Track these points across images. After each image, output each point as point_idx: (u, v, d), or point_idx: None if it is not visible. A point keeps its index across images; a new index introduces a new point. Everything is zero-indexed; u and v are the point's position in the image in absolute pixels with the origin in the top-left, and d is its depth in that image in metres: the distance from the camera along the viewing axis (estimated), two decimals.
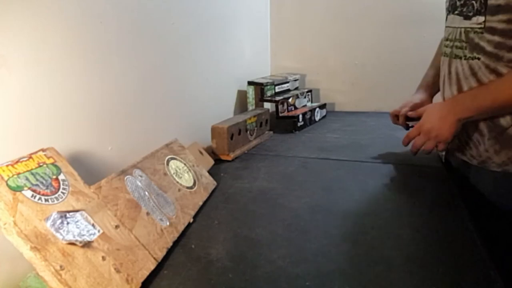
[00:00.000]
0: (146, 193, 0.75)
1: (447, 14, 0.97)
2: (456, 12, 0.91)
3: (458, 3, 0.90)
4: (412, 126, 1.09)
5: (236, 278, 0.61)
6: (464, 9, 0.87)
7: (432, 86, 1.14)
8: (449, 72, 0.94)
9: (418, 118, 1.03)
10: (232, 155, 1.19)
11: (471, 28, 0.85)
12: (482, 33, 0.83)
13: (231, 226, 0.78)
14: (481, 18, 0.82)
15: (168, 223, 0.73)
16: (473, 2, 0.84)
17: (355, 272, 0.61)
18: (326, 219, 0.79)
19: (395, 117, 1.16)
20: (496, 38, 0.81)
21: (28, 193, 0.54)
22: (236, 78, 1.60)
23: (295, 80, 1.83)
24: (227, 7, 1.50)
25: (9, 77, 0.65)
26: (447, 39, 0.96)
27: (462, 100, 0.88)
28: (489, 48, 0.82)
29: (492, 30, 0.81)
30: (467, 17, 0.86)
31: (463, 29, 0.88)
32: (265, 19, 1.96)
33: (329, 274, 0.61)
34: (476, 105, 0.85)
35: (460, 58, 0.89)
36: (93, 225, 0.59)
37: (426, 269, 0.60)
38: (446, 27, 0.97)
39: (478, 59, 0.84)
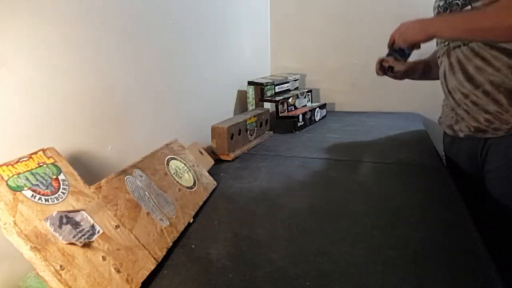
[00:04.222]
0: (146, 193, 0.75)
1: None
2: None
3: (444, 13, 1.01)
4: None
5: (236, 278, 0.61)
6: (449, 12, 0.98)
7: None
8: (450, 64, 1.00)
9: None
10: (232, 155, 1.19)
11: None
12: None
13: (231, 226, 0.78)
14: (467, 8, 0.92)
15: (168, 223, 0.73)
16: (457, 1, 0.95)
17: (355, 272, 0.61)
18: (326, 219, 0.79)
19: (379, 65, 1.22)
20: None
21: (28, 193, 0.54)
22: (236, 78, 1.60)
23: (295, 80, 1.83)
24: (227, 7, 1.50)
25: (9, 77, 0.65)
26: (441, 43, 1.04)
27: (438, 19, 0.96)
28: None
29: None
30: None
31: None
32: (265, 19, 1.96)
33: (329, 274, 0.61)
34: (447, 25, 0.90)
35: (459, 46, 0.96)
36: (93, 225, 0.59)
37: (426, 269, 0.61)
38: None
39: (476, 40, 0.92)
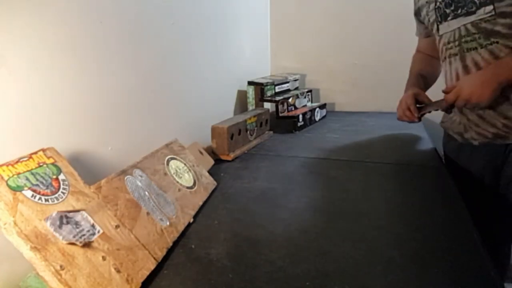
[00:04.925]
0: (146, 193, 0.75)
1: (438, 25, 1.01)
2: (450, 17, 0.96)
3: (448, 11, 0.96)
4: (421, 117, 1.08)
5: (236, 278, 0.61)
6: (460, 11, 0.93)
7: (419, 86, 1.15)
8: (465, 66, 0.95)
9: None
10: (232, 155, 1.19)
11: (480, 19, 0.89)
12: (494, 19, 0.87)
13: (231, 226, 0.78)
14: (488, 8, 0.87)
15: (168, 223, 0.73)
16: None
17: (355, 272, 0.61)
18: (326, 219, 0.79)
19: (407, 111, 1.09)
20: (509, 21, 0.85)
21: (28, 193, 0.54)
22: (236, 78, 1.60)
23: (295, 80, 1.83)
24: (227, 7, 1.50)
25: (9, 77, 0.65)
26: (448, 43, 0.98)
27: (505, 63, 0.87)
28: (504, 30, 0.86)
29: (504, 14, 0.85)
30: (470, 13, 0.91)
31: (469, 24, 0.92)
32: (265, 19, 1.96)
33: (329, 274, 0.61)
34: None
35: (476, 48, 0.91)
36: (93, 225, 0.59)
37: (426, 269, 0.61)
38: (442, 34, 1.01)
39: (497, 42, 0.88)
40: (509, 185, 0.96)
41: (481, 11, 0.88)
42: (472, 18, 0.90)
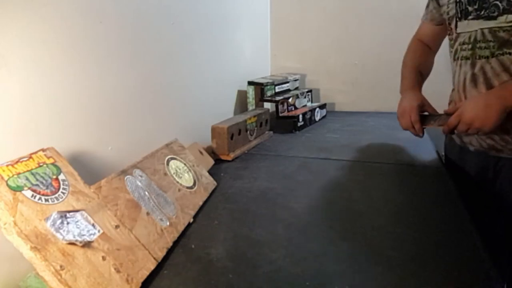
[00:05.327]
0: (146, 193, 0.75)
1: (456, 21, 0.95)
2: (471, 17, 0.91)
3: (471, 9, 0.90)
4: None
5: (236, 278, 0.61)
6: (483, 12, 0.87)
7: (419, 87, 1.12)
8: (473, 74, 0.91)
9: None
10: (232, 155, 1.19)
11: (499, 27, 0.85)
12: None
13: (231, 226, 0.78)
14: (511, 16, 0.82)
15: (168, 223, 0.73)
16: (497, 2, 0.85)
17: (355, 272, 0.61)
18: (326, 219, 0.79)
19: (412, 128, 1.03)
20: None
21: (28, 193, 0.54)
22: (236, 78, 1.60)
23: (295, 80, 1.83)
24: (227, 7, 1.50)
25: (9, 77, 0.65)
26: (463, 43, 0.94)
27: (511, 87, 0.83)
28: None
29: None
30: (491, 18, 0.86)
31: (487, 30, 0.87)
32: (265, 19, 1.96)
33: (329, 274, 0.61)
34: None
35: (487, 57, 0.87)
36: (93, 225, 0.59)
37: (426, 269, 0.61)
38: (459, 33, 0.95)
39: (509, 54, 0.84)
40: (508, 191, 0.94)
41: (502, 18, 0.84)
42: (492, 23, 0.86)
